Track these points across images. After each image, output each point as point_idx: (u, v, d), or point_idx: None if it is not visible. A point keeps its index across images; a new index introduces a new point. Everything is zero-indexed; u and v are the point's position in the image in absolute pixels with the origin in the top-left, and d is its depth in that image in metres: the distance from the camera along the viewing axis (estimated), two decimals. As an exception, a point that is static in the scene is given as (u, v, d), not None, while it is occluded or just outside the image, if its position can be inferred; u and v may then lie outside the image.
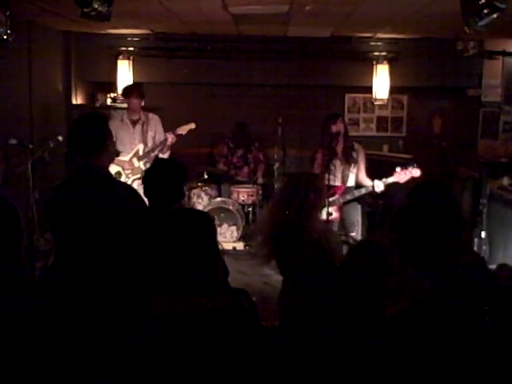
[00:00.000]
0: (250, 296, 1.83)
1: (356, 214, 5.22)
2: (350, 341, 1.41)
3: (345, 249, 3.65)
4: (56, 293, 2.67)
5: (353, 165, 5.14)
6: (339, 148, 5.13)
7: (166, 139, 5.63)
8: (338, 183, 5.13)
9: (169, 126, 7.21)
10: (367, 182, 5.09)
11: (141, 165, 5.63)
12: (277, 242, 3.19)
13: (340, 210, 5.11)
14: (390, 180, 4.93)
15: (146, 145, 5.66)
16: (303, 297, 2.97)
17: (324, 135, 5.15)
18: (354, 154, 5.15)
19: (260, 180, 7.24)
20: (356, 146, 5.24)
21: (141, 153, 5.64)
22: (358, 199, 5.18)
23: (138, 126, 5.67)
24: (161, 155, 5.62)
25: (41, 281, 2.93)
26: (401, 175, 4.88)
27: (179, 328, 1.64)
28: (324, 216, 4.82)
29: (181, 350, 1.62)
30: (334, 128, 5.05)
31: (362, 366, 1.38)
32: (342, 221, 5.18)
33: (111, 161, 3.00)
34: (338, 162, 5.13)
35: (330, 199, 4.81)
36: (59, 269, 2.77)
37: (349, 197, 5.08)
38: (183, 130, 5.83)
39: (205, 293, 1.73)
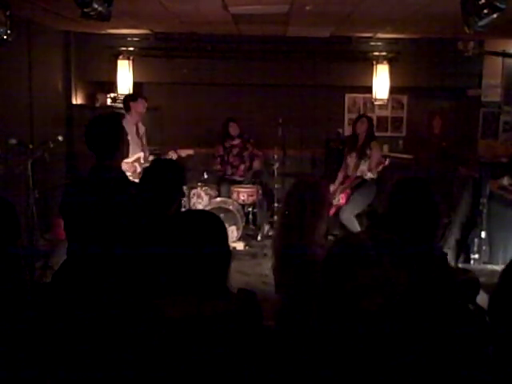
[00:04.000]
0: (257, 299, 1.83)
1: (361, 204, 6.04)
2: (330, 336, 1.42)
3: None
4: (67, 291, 2.68)
5: (363, 161, 5.92)
6: (359, 144, 6.02)
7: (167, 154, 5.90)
8: (350, 173, 6.08)
9: (169, 126, 7.26)
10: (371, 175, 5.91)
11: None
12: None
13: (348, 196, 6.03)
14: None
15: (144, 153, 5.73)
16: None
17: (351, 132, 6.30)
18: (368, 151, 5.93)
19: (256, 166, 7.28)
20: (372, 144, 5.99)
21: (142, 161, 5.65)
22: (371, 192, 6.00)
23: (135, 135, 5.70)
24: None
25: (53, 279, 2.93)
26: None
27: (190, 331, 1.63)
28: (334, 202, 6.00)
29: (191, 352, 1.62)
30: (357, 128, 6.06)
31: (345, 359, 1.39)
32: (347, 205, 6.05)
33: (122, 159, 3.00)
34: (353, 155, 6.03)
35: (342, 187, 6.10)
36: (71, 267, 2.78)
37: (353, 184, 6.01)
38: (183, 152, 6.18)
39: (216, 295, 1.72)
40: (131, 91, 7.57)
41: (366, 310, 1.37)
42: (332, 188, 6.07)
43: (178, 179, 2.86)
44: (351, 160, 6.06)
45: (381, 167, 5.77)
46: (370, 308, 1.37)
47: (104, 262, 2.67)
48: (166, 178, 2.81)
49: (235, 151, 7.24)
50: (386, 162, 5.77)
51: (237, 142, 7.23)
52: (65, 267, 2.87)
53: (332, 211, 6.16)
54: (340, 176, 6.21)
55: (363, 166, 5.92)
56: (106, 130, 2.85)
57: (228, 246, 1.86)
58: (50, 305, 2.67)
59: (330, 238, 4.17)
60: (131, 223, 2.66)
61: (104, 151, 2.81)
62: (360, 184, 5.96)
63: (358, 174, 5.96)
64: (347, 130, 7.51)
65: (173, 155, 5.88)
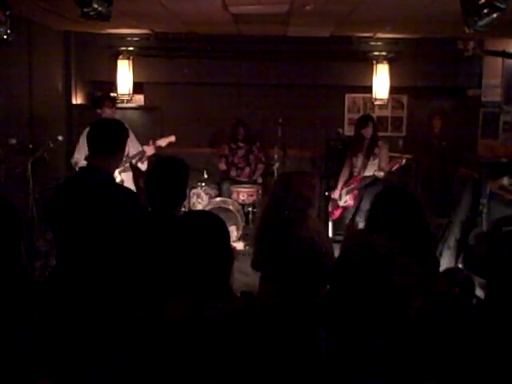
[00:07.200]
0: (259, 301, 1.84)
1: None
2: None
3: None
4: (58, 294, 2.66)
5: (372, 158, 5.85)
6: (365, 144, 5.91)
7: (143, 151, 5.38)
8: (356, 173, 5.96)
9: (169, 126, 7.24)
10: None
11: (116, 172, 5.32)
12: (267, 240, 3.23)
13: (355, 198, 5.92)
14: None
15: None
16: (286, 297, 2.99)
17: (354, 134, 6.09)
18: (377, 151, 5.86)
19: (259, 180, 7.26)
20: (380, 143, 5.92)
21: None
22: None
23: None
24: (139, 165, 5.44)
25: (44, 282, 2.92)
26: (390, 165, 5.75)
27: (189, 331, 1.63)
28: (341, 203, 5.99)
29: (190, 352, 1.62)
30: (364, 132, 5.90)
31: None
32: (357, 208, 5.88)
33: (116, 167, 2.99)
34: (360, 156, 5.93)
35: (348, 187, 5.98)
36: (60, 270, 2.76)
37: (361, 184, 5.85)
38: (163, 141, 5.63)
39: (219, 296, 1.72)
40: (131, 91, 7.57)
41: (404, 314, 1.37)
42: (336, 191, 6.08)
43: (183, 178, 2.83)
44: (357, 160, 5.94)
45: (397, 166, 5.62)
46: (409, 313, 1.37)
47: (91, 264, 2.64)
48: (171, 178, 2.78)
49: (241, 153, 7.26)
50: (403, 162, 5.64)
51: (243, 144, 7.26)
52: (55, 270, 2.85)
53: (338, 213, 6.18)
54: (343, 178, 6.06)
55: (372, 166, 5.81)
56: (110, 132, 2.84)
57: (230, 246, 1.86)
58: (46, 307, 2.66)
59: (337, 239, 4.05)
60: (118, 225, 2.62)
61: (99, 152, 2.78)
62: (372, 183, 5.74)
63: (366, 173, 5.85)
64: (347, 130, 7.49)
65: (148, 151, 5.36)
